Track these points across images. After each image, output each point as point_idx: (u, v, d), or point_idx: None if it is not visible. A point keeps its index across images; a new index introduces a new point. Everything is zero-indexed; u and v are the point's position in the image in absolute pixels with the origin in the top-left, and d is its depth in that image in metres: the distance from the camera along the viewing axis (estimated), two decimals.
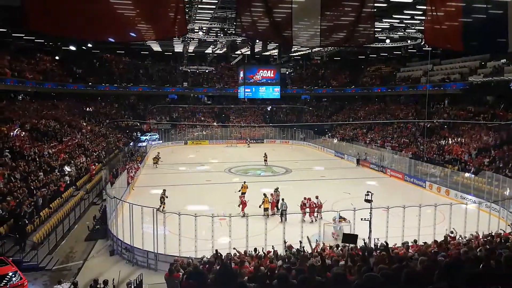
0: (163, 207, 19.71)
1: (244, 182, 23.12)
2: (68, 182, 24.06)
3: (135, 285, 12.18)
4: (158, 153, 36.13)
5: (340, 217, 16.95)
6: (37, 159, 25.06)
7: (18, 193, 18.59)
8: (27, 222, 16.64)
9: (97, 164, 31.18)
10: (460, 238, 13.14)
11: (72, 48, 39.17)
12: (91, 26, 4.87)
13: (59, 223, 18.96)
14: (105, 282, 10.58)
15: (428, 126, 37.74)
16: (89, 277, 13.49)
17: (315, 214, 18.91)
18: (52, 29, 4.94)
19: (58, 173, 24.20)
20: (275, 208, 20.36)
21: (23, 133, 29.27)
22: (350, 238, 9.31)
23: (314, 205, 19.39)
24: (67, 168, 25.64)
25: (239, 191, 22.05)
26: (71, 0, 4.64)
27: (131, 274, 14.11)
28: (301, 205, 19.16)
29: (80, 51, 47.21)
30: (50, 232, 17.69)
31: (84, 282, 12.96)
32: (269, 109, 59.82)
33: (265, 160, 35.65)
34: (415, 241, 12.89)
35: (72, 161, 28.03)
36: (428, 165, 29.45)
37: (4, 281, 12.40)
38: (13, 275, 12.71)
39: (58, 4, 4.52)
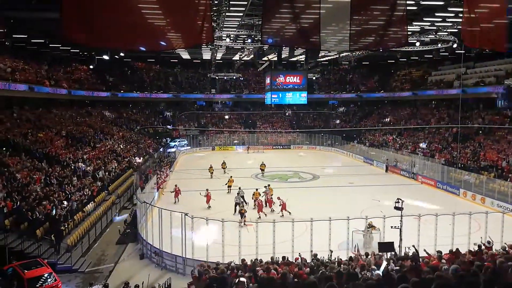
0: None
1: (257, 189, 23.25)
2: (100, 186, 24.84)
3: None
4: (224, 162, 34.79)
5: (370, 226, 16.59)
6: (72, 164, 26.03)
7: (54, 197, 19.35)
8: (62, 225, 17.28)
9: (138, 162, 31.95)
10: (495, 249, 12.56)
11: (106, 57, 40.55)
12: (124, 36, 5.07)
13: (92, 227, 19.58)
14: (136, 287, 10.80)
15: (462, 131, 36.45)
16: (119, 280, 13.84)
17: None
18: (89, 40, 5.16)
19: (91, 179, 25.04)
20: (263, 210, 21.36)
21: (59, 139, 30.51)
22: (387, 246, 9.05)
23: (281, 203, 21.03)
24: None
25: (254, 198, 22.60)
26: (107, 13, 4.84)
27: (160, 278, 14.35)
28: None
29: (112, 60, 48.83)
30: (83, 235, 18.30)
31: (115, 284, 13.29)
32: (287, 113, 59.41)
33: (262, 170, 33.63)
34: (451, 251, 12.41)
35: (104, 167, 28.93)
36: (462, 171, 28.41)
37: (40, 282, 12.91)
38: (48, 276, 13.22)
39: (94, 17, 4.73)
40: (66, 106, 43.95)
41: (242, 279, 7.51)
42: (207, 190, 23.32)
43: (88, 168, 26.83)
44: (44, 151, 25.88)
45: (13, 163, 21.74)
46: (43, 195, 19.19)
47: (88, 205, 21.29)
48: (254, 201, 22.19)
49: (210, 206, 22.83)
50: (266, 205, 22.25)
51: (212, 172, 32.13)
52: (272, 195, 22.94)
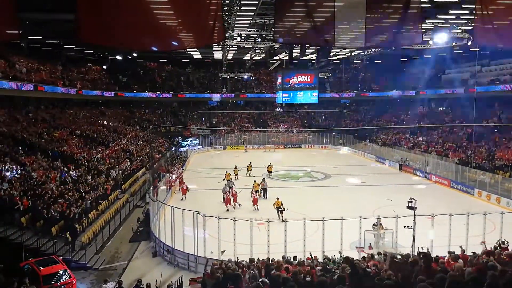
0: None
1: (255, 181, 25.26)
2: (114, 185, 25.15)
3: (177, 286, 12.49)
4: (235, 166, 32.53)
5: (376, 224, 16.37)
6: (86, 163, 26.41)
7: (69, 195, 19.68)
8: (76, 223, 17.57)
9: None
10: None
11: (119, 57, 41.16)
12: (137, 36, 5.14)
13: (106, 225, 19.85)
14: (148, 286, 10.94)
15: (477, 130, 35.86)
16: (133, 277, 14.01)
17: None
18: (102, 40, 5.25)
19: (104, 177, 25.37)
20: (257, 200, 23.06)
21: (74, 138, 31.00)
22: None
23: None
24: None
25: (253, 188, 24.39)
26: (120, 14, 4.92)
27: (172, 275, 14.48)
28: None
29: (125, 61, 49.42)
30: (97, 233, 18.56)
31: (128, 281, 13.46)
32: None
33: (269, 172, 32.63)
34: (463, 251, 12.24)
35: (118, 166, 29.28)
36: (477, 171, 27.96)
37: (55, 278, 13.15)
38: (63, 273, 13.46)
39: (108, 18, 4.81)
40: (80, 106, 44.61)
41: (253, 272, 7.55)
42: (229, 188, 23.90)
43: (102, 167, 27.21)
44: (59, 150, 26.31)
45: (29, 162, 22.17)
46: (58, 194, 19.53)
47: (102, 204, 21.60)
48: (251, 193, 23.53)
49: (238, 204, 22.85)
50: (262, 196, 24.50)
51: (237, 174, 30.69)
52: (257, 191, 24.23)
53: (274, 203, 20.40)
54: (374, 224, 16.48)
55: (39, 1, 20.54)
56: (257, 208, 22.22)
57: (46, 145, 26.30)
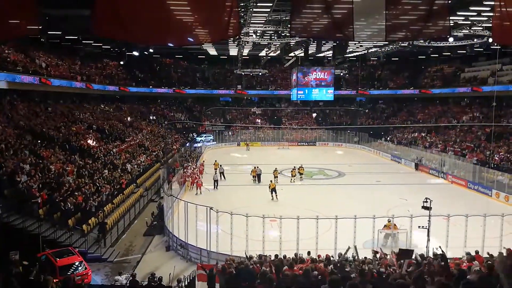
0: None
1: (254, 167, 29.08)
2: (129, 179, 25.49)
3: (188, 281, 12.61)
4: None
5: (387, 224, 16.16)
6: (103, 157, 26.82)
7: (85, 188, 20.04)
8: (93, 216, 17.88)
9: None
10: None
11: (135, 53, 41.48)
12: (153, 32, 5.17)
13: (120, 218, 20.16)
14: (160, 279, 11.08)
15: (496, 130, 35.04)
16: (146, 270, 14.22)
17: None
18: (118, 35, 5.30)
19: (120, 172, 25.74)
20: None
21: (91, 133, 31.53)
22: (406, 253, 8.96)
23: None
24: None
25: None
26: (136, 9, 4.96)
27: (185, 270, 14.63)
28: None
29: (142, 57, 49.87)
30: (112, 226, 18.85)
31: (142, 274, 13.66)
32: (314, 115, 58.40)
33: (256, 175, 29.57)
34: (477, 252, 12.01)
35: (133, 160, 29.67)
36: (495, 171, 27.34)
37: (71, 269, 13.43)
38: (79, 265, 13.73)
39: (124, 13, 4.85)
40: (97, 101, 45.28)
41: (265, 268, 7.57)
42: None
43: (118, 161, 27.61)
44: (77, 144, 26.79)
45: (47, 155, 22.63)
46: (76, 187, 19.91)
47: (117, 197, 21.92)
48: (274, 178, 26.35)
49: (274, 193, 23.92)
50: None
51: (277, 177, 27.58)
52: (255, 176, 28.53)
53: (269, 186, 23.83)
54: (384, 226, 16.24)
55: None
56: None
57: (64, 138, 26.80)
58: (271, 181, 24.63)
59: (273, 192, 23.62)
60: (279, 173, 28.44)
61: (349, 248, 11.42)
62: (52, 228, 16.47)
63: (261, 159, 38.93)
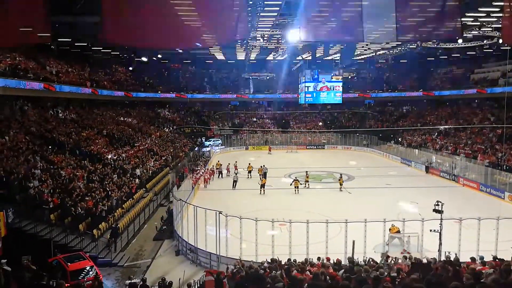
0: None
1: (249, 164, 32.06)
2: (138, 184, 25.62)
3: (198, 286, 12.60)
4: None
5: (391, 228, 15.85)
6: (113, 162, 27.03)
7: (96, 193, 20.19)
8: (103, 221, 17.99)
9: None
10: None
11: (144, 59, 41.86)
12: (161, 37, 5.21)
13: (130, 223, 20.25)
14: (170, 284, 11.09)
15: (508, 131, 34.56)
16: (156, 274, 14.25)
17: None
18: (125, 41, 5.35)
19: (129, 176, 25.90)
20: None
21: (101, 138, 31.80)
22: (422, 267, 8.77)
23: None
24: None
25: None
26: (144, 16, 5.00)
27: (195, 274, 14.62)
28: None
29: (150, 62, 50.29)
30: (122, 231, 18.94)
31: (152, 279, 13.69)
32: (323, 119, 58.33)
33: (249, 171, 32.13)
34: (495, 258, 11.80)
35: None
36: (508, 174, 26.91)
37: (82, 274, 13.51)
38: (90, 269, 13.80)
39: (132, 20, 4.90)
40: (107, 106, 45.68)
41: (275, 273, 7.53)
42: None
43: (127, 166, 27.79)
44: (87, 149, 27.04)
45: (58, 160, 22.88)
46: (86, 192, 20.06)
47: (127, 202, 22.04)
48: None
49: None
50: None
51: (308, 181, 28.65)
52: (250, 171, 31.38)
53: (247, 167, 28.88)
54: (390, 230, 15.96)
55: (68, 4, 21.14)
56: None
57: (74, 144, 27.07)
58: (261, 179, 27.62)
59: (263, 188, 26.37)
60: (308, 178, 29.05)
61: (354, 242, 11.29)
62: (63, 233, 16.61)
63: (274, 162, 38.60)
